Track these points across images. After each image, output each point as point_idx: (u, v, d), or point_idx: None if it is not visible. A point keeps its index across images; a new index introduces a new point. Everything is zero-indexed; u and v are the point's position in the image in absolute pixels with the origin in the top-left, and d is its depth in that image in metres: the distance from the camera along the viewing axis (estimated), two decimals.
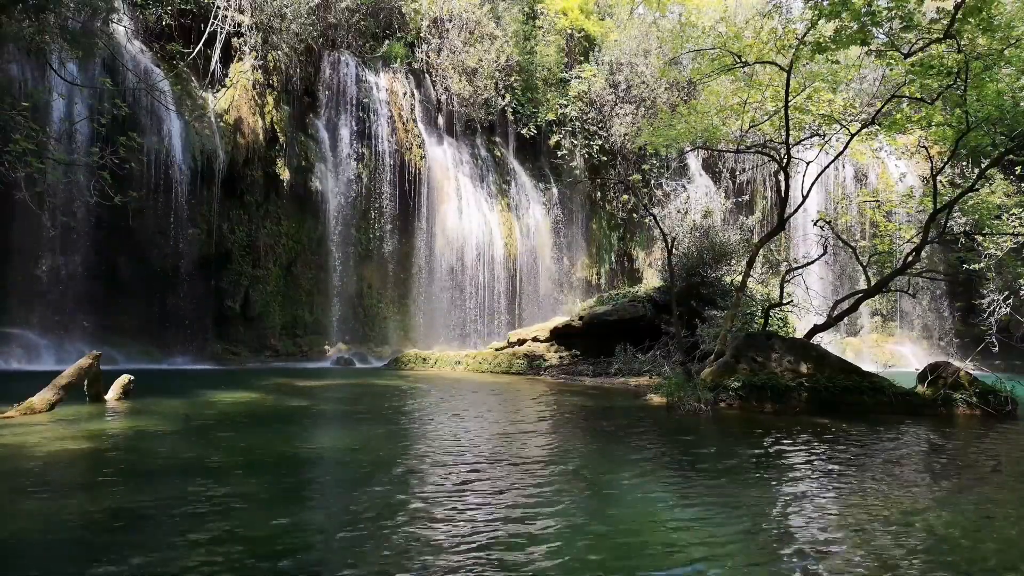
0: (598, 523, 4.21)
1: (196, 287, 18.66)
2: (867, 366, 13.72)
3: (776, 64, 12.22)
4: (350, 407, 10.45)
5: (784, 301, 13.69)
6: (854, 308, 13.69)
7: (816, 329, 12.49)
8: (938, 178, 12.57)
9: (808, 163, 13.56)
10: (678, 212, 20.14)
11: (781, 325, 16.28)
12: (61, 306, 16.82)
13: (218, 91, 19.89)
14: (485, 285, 23.96)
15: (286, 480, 5.29)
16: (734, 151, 17.74)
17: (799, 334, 14.24)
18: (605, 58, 26.75)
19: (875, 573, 3.45)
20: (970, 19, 9.66)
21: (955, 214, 14.41)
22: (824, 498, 4.94)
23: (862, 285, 16.00)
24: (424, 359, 18.77)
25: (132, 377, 9.63)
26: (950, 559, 3.70)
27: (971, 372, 10.83)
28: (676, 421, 8.89)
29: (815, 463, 6.25)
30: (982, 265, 18.30)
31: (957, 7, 9.74)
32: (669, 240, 13.73)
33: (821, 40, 10.61)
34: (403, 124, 23.19)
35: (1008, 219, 16.56)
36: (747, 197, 28.00)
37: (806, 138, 13.73)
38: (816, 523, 4.30)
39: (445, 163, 24.15)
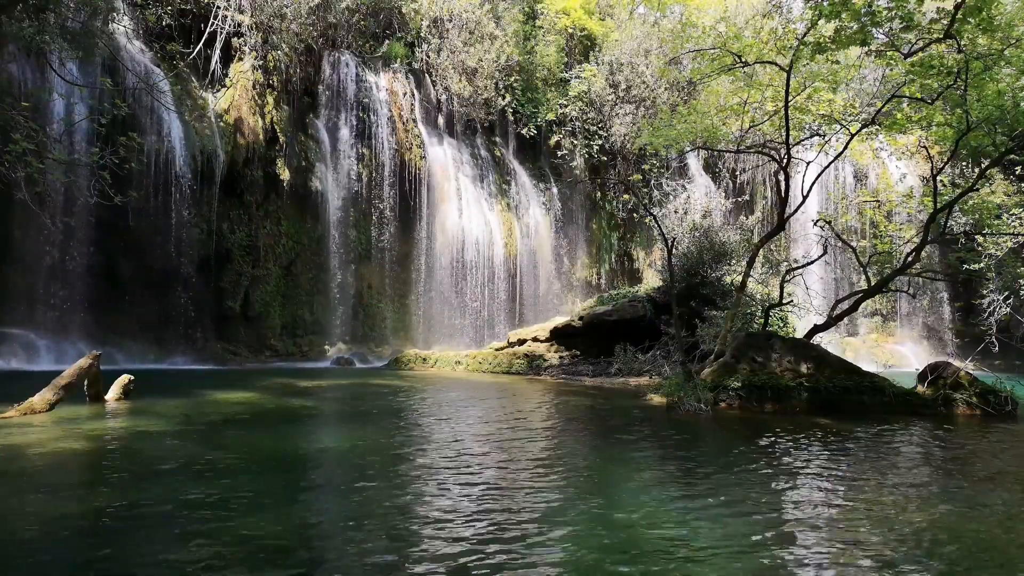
0: (598, 522, 4.21)
1: (196, 287, 18.64)
2: (867, 366, 13.71)
3: (776, 64, 12.22)
4: (350, 407, 10.45)
5: (784, 301, 13.69)
6: (854, 308, 13.69)
7: (816, 329, 12.49)
8: (938, 178, 12.57)
9: (808, 163, 13.55)
10: (677, 212, 20.11)
11: (781, 325, 16.26)
12: (61, 306, 16.80)
13: (218, 91, 19.89)
14: (485, 285, 23.95)
15: (286, 480, 5.29)
16: (734, 151, 17.73)
17: (799, 334, 14.23)
18: (605, 58, 26.73)
19: (875, 573, 3.45)
20: (970, 19, 9.66)
21: (955, 214, 14.41)
22: (824, 499, 4.94)
23: (862, 285, 16.00)
24: (424, 359, 18.76)
25: (132, 377, 9.63)
26: (951, 560, 3.70)
27: (971, 372, 10.83)
28: (676, 421, 8.89)
29: (815, 463, 6.25)
30: (982, 265, 18.31)
31: (957, 7, 9.74)
32: (669, 240, 13.73)
33: (821, 40, 10.62)
34: (403, 124, 23.18)
35: (1008, 219, 16.58)
36: (747, 197, 27.99)
37: (806, 138, 13.72)
38: (816, 524, 4.30)
39: (445, 163, 24.14)
